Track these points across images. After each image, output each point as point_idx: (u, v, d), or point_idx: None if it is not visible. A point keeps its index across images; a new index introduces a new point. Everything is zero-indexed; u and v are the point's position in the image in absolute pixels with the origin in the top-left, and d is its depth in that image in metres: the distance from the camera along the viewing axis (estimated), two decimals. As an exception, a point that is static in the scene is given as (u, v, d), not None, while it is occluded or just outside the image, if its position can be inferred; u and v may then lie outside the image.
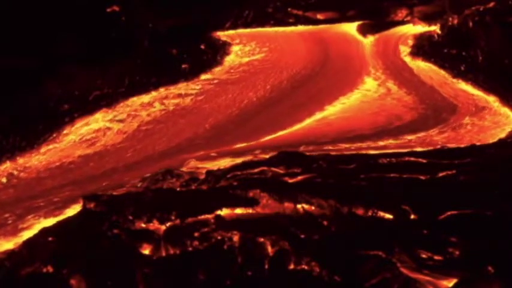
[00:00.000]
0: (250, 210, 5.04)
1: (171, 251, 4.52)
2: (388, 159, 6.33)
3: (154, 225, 4.86)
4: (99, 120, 9.06)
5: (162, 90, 10.50)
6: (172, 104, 10.08)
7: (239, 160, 6.93)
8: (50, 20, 9.83)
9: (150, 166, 7.38)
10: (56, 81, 9.30)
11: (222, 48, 12.64)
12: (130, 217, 4.96)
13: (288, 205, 4.98)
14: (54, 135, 8.23)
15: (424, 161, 6.22)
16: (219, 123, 9.32)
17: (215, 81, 11.24)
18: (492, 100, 9.93)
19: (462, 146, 7.72)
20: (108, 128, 8.84)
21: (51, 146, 8.07)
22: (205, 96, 10.46)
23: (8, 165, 7.42)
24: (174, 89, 10.65)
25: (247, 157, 7.10)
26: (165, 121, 9.37)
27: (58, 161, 7.64)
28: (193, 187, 5.97)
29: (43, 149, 7.92)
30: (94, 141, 8.38)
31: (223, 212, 4.99)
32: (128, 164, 7.62)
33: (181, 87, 10.78)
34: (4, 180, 7.07)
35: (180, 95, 10.45)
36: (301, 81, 11.32)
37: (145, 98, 10.08)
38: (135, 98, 9.95)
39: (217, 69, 11.74)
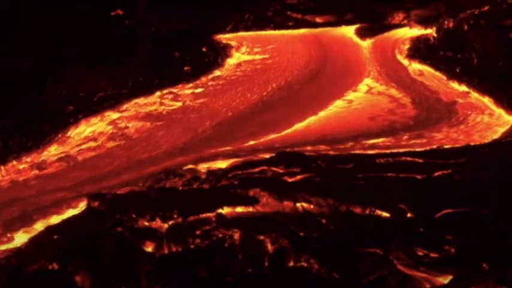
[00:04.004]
0: (250, 209, 5.11)
1: (174, 249, 4.59)
2: (385, 159, 6.42)
3: (157, 223, 4.93)
4: (102, 121, 9.15)
5: (164, 91, 10.60)
6: (173, 106, 10.18)
7: (240, 160, 7.03)
8: (55, 23, 9.97)
9: (151, 167, 7.46)
10: (62, 82, 9.43)
11: (223, 51, 12.78)
12: (134, 215, 5.04)
13: (287, 204, 5.04)
14: (60, 135, 8.33)
15: (421, 160, 6.30)
16: (220, 124, 9.41)
17: (216, 83, 11.36)
18: (487, 101, 10.06)
19: (457, 146, 7.83)
20: (111, 130, 8.92)
21: (55, 147, 8.16)
22: (206, 98, 10.57)
23: (14, 163, 7.52)
24: (176, 91, 10.76)
25: (247, 157, 7.20)
26: (166, 122, 9.46)
27: (61, 161, 7.71)
28: (195, 186, 6.04)
29: (48, 150, 8.01)
30: (97, 141, 8.46)
31: (224, 210, 5.06)
32: (128, 164, 7.69)
33: (183, 89, 10.89)
34: (11, 178, 7.16)
35: (181, 97, 10.57)
36: (300, 83, 11.45)
37: (148, 100, 10.19)
38: (138, 100, 10.06)
39: (218, 71, 11.86)
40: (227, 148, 7.88)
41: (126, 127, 8.92)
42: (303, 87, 11.03)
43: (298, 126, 9.05)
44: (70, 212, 5.82)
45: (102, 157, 7.73)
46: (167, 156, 7.85)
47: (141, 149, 8.04)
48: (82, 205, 5.81)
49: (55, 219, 5.62)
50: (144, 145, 8.29)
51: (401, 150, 7.47)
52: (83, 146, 8.15)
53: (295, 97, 10.55)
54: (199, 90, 10.83)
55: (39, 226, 5.57)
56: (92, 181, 6.87)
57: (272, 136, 8.43)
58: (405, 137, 8.41)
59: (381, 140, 8.25)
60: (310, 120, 9.38)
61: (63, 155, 7.82)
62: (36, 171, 7.36)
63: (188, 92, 10.67)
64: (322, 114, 9.70)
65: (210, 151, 7.76)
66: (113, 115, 9.37)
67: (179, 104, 10.13)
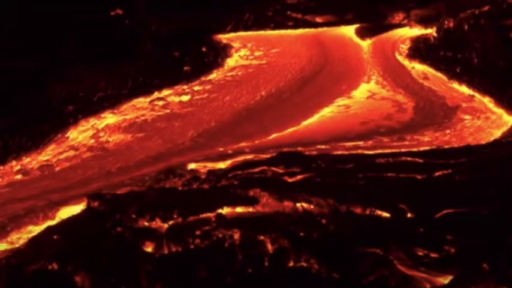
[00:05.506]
0: (250, 209, 5.11)
1: (173, 249, 4.59)
2: (385, 159, 6.42)
3: (157, 223, 4.93)
4: (101, 121, 9.16)
5: (164, 91, 10.63)
6: (173, 105, 10.20)
7: (239, 160, 7.04)
8: (55, 23, 10.04)
9: (151, 167, 7.47)
10: (62, 82, 9.49)
11: (223, 51, 12.83)
12: (134, 216, 5.04)
13: (287, 204, 5.05)
14: (59, 135, 8.36)
15: (421, 160, 6.30)
16: (219, 124, 9.42)
17: (216, 82, 11.38)
18: (487, 101, 10.09)
19: (457, 146, 7.85)
20: (110, 129, 8.93)
21: (54, 147, 8.18)
22: (206, 98, 10.59)
23: (13, 164, 7.54)
24: (175, 91, 10.79)
25: (247, 157, 7.21)
26: (166, 122, 9.47)
27: (60, 162, 7.73)
28: (194, 186, 6.04)
29: (47, 150, 8.03)
30: (96, 142, 8.48)
31: (224, 210, 5.06)
32: (129, 164, 7.71)
33: (183, 89, 10.92)
34: (8, 179, 7.17)
35: (181, 97, 10.59)
36: (300, 83, 11.46)
37: (147, 100, 10.22)
38: (138, 99, 10.08)
39: (218, 71, 11.89)
40: (196, 155, 7.79)
41: (125, 127, 8.89)
42: (302, 88, 11.02)
43: (297, 127, 9.00)
44: (66, 213, 5.82)
45: (76, 168, 7.63)
46: (168, 157, 7.84)
47: (113, 160, 7.90)
48: (80, 205, 5.80)
49: (32, 228, 5.59)
50: (144, 146, 8.24)
51: (401, 150, 7.47)
52: (80, 147, 8.07)
53: (293, 97, 10.53)
54: (199, 89, 10.83)
55: (15, 235, 5.55)
56: (61, 190, 6.77)
57: (243, 144, 8.28)
58: (386, 140, 8.35)
59: (360, 143, 8.19)
60: (309, 120, 9.35)
61: (61, 155, 7.80)
62: (16, 177, 7.31)
63: (188, 91, 10.68)
64: (319, 116, 9.68)
65: (179, 159, 7.65)
66: (112, 115, 9.33)
67: (178, 103, 10.13)
